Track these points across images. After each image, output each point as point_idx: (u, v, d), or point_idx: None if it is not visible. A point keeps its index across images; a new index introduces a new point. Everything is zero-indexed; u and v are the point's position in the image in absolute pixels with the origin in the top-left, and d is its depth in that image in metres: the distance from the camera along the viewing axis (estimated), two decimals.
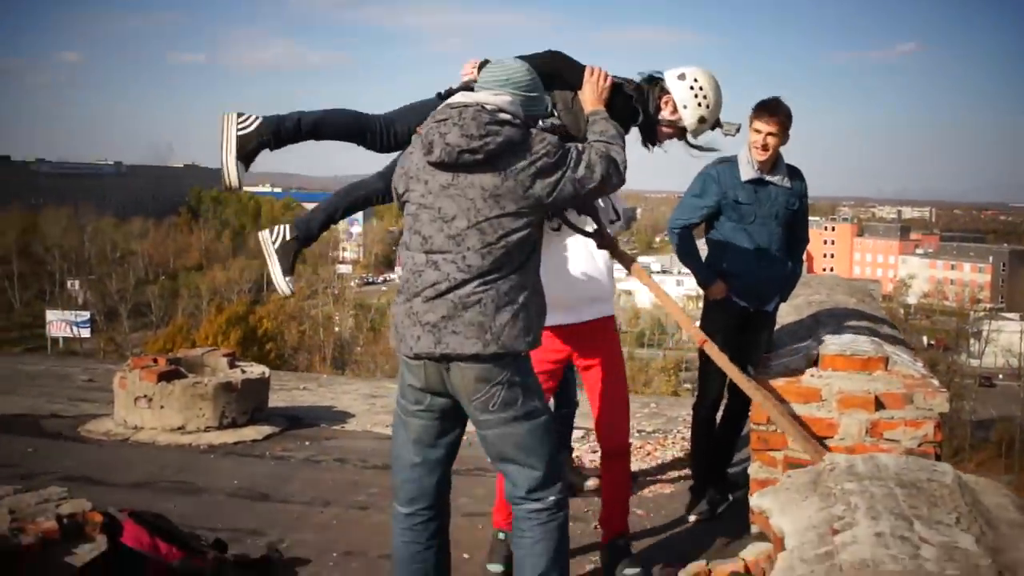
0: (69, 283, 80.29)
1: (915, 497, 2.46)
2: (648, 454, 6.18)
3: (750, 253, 4.64)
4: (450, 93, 3.59)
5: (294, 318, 54.72)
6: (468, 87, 3.50)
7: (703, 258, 4.81)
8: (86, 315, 63.61)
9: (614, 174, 3.24)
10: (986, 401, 59.23)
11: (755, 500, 2.75)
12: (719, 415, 5.01)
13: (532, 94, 3.26)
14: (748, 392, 3.84)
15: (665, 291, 4.15)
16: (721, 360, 3.86)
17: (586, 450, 6.01)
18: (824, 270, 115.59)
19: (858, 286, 7.70)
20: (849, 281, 8.28)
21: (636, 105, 3.86)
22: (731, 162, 4.63)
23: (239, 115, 3.63)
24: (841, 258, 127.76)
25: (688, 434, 5.56)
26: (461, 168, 3.07)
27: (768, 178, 4.61)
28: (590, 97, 3.64)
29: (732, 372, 3.86)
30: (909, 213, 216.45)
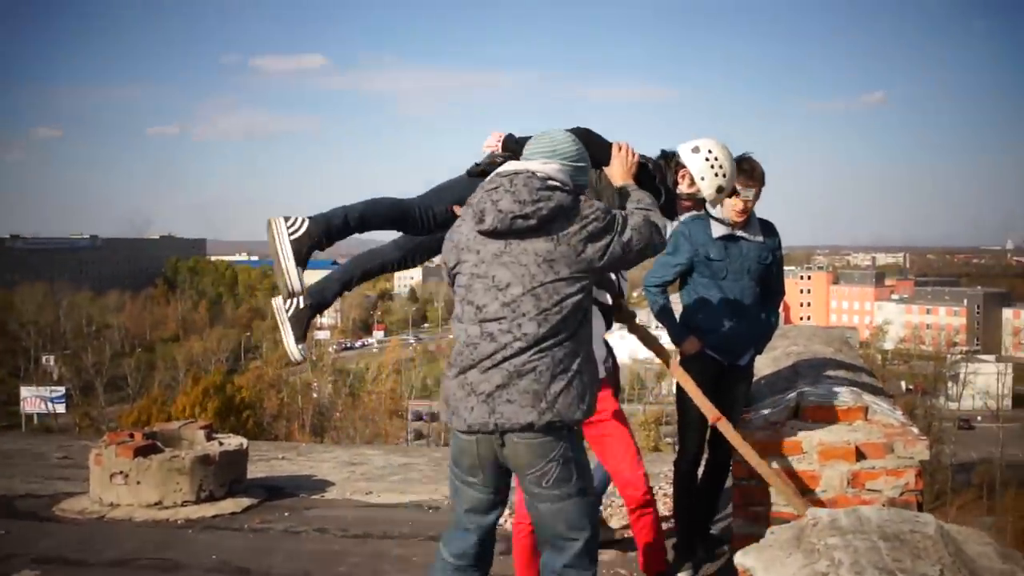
0: (44, 358, 79.55)
1: (898, 550, 2.45)
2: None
3: (723, 308, 4.66)
4: (481, 169, 3.67)
5: (272, 386, 54.31)
6: (494, 160, 3.61)
7: (678, 314, 4.83)
8: (61, 391, 63.02)
9: (656, 236, 3.30)
10: (966, 444, 59.40)
11: (739, 558, 2.72)
12: (701, 469, 4.98)
13: (579, 164, 3.29)
14: (754, 464, 3.82)
15: (682, 369, 4.17)
16: (736, 439, 3.87)
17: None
18: (801, 319, 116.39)
19: (835, 335, 7.73)
20: (826, 330, 8.32)
21: (659, 185, 3.95)
22: (702, 219, 4.66)
23: (286, 219, 3.61)
24: (818, 306, 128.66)
25: (671, 490, 5.51)
26: (513, 235, 3.09)
27: (740, 234, 4.64)
28: (619, 172, 3.72)
29: (744, 449, 3.85)
30: (883, 259, 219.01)
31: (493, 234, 3.12)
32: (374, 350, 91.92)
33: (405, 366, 69.31)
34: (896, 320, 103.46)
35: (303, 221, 3.61)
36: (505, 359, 3.04)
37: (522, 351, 3.04)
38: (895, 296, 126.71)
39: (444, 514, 6.33)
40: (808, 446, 3.98)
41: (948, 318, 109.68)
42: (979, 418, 69.25)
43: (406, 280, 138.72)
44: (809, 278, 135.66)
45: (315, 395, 59.05)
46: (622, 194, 3.60)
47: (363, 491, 7.15)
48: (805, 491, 3.90)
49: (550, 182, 3.12)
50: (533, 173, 3.14)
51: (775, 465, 3.94)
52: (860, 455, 3.92)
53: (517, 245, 3.08)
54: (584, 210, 3.12)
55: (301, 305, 3.92)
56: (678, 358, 4.56)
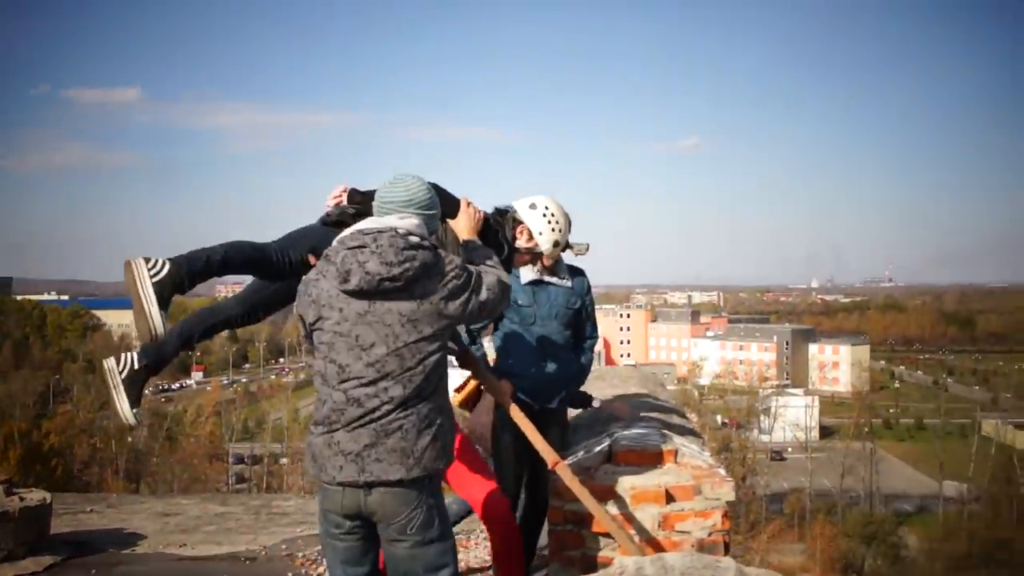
0: None
1: None
2: None
3: (533, 353, 4.76)
4: (334, 220, 3.70)
5: (84, 431, 51.75)
6: (345, 211, 3.67)
7: (493, 358, 4.89)
8: None
9: (505, 295, 3.42)
10: (778, 474, 62.14)
11: None
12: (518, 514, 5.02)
13: (432, 211, 3.39)
14: (590, 507, 3.88)
15: (523, 415, 4.15)
16: (574, 484, 3.92)
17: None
18: (622, 356, 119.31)
19: (650, 376, 7.96)
20: (642, 370, 8.55)
21: (501, 240, 4.11)
22: None
23: (146, 260, 3.47)
24: (637, 344, 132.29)
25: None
26: (379, 295, 3.12)
27: (547, 279, 4.76)
28: (466, 227, 3.81)
29: (581, 492, 3.89)
30: (699, 298, 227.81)
31: (358, 294, 3.14)
32: (200, 390, 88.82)
33: (226, 408, 67.30)
34: (711, 356, 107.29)
35: (164, 263, 3.50)
36: (372, 420, 3.10)
37: (389, 412, 3.10)
38: (710, 333, 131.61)
39: (261, 565, 6.18)
40: (621, 490, 4.08)
41: (760, 354, 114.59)
42: (789, 449, 72.57)
43: None
44: (628, 316, 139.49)
45: (130, 439, 56.70)
46: (467, 248, 3.69)
47: (177, 543, 6.89)
48: None
49: (411, 238, 3.19)
50: (396, 231, 3.19)
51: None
52: (670, 497, 4.04)
53: (381, 305, 3.14)
54: (445, 267, 3.21)
55: (136, 365, 3.78)
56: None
